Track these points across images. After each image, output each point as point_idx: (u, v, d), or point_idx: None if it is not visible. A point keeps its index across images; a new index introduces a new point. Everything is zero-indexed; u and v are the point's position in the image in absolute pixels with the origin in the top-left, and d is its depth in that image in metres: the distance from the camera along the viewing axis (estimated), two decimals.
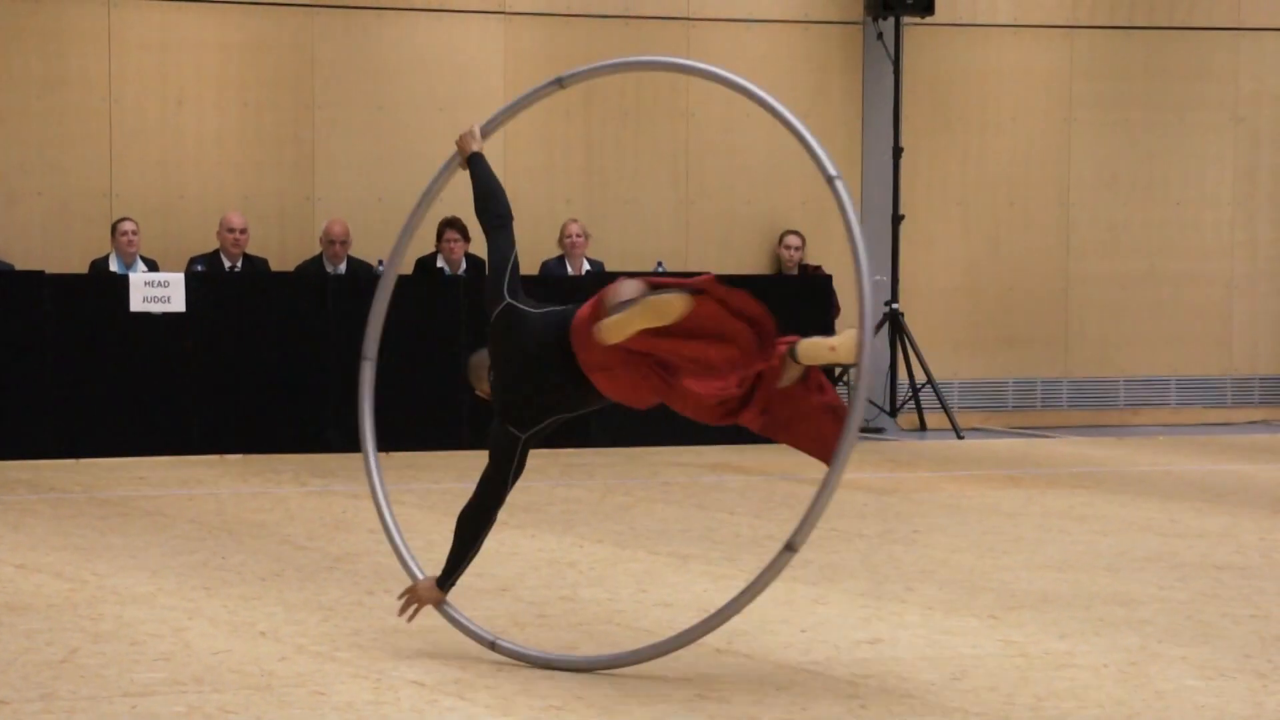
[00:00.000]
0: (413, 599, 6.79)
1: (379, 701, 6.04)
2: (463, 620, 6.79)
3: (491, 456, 6.62)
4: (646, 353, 6.34)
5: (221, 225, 14.61)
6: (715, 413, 6.58)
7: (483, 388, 6.85)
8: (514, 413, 6.56)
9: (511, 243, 6.79)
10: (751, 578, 8.42)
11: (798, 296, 15.27)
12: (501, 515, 9.91)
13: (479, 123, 7.18)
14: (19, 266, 14.18)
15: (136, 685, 6.23)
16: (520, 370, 6.53)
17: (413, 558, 6.98)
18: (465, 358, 7.00)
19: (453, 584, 6.75)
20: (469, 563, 6.73)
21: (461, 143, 7.08)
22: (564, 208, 15.74)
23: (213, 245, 14.66)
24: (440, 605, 6.80)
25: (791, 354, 6.44)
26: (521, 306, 6.60)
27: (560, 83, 7.11)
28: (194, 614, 7.47)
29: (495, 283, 6.68)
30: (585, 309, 6.42)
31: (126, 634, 7.04)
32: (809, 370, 6.48)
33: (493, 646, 6.68)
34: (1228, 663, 6.71)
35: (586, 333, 6.34)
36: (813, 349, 6.40)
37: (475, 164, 7.02)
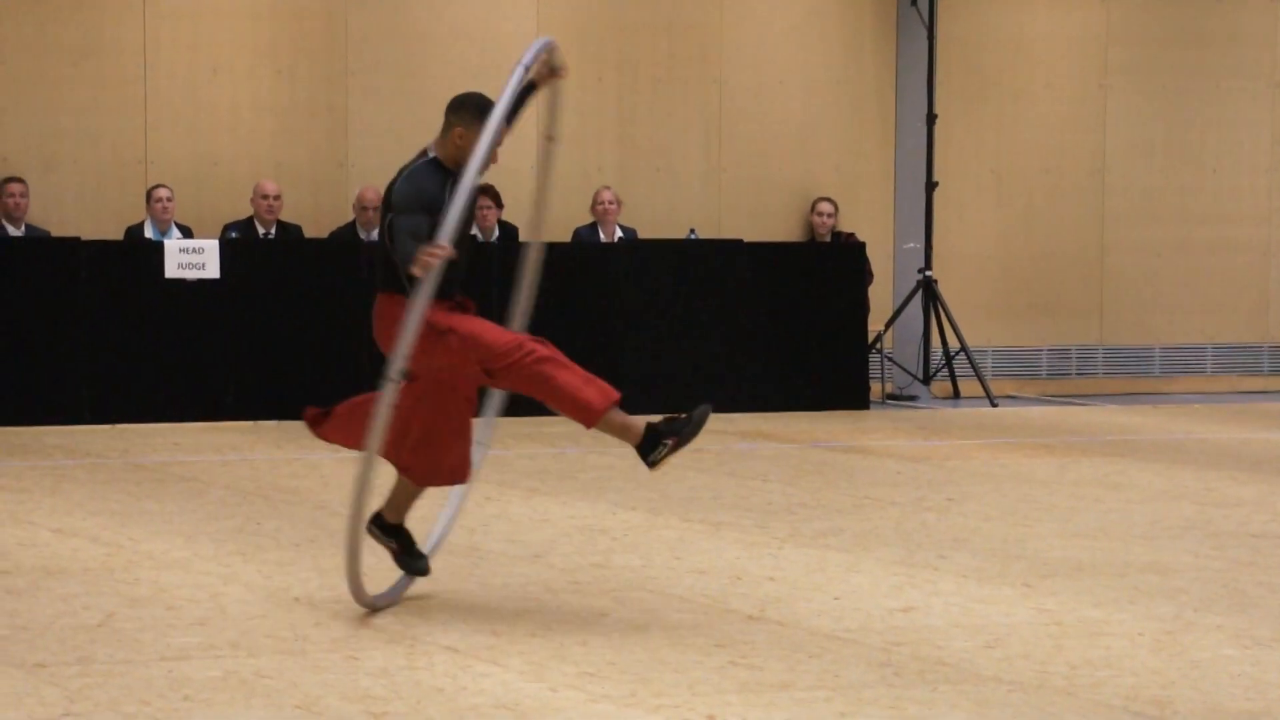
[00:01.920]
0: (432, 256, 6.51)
1: (412, 667, 6.06)
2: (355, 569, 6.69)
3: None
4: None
5: (255, 192, 14.63)
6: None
7: None
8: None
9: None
10: (784, 545, 8.44)
11: (830, 263, 15.24)
12: (533, 482, 9.93)
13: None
14: (55, 233, 14.23)
15: (172, 649, 6.26)
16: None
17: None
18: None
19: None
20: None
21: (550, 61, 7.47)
22: (596, 175, 15.73)
23: (246, 212, 14.69)
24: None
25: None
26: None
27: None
28: (229, 579, 7.50)
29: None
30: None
31: (162, 598, 7.08)
32: None
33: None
34: (1264, 631, 6.70)
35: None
36: None
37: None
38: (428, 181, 6.85)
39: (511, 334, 6.90)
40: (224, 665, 6.05)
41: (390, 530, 7.16)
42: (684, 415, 6.85)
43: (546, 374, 6.72)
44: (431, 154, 6.97)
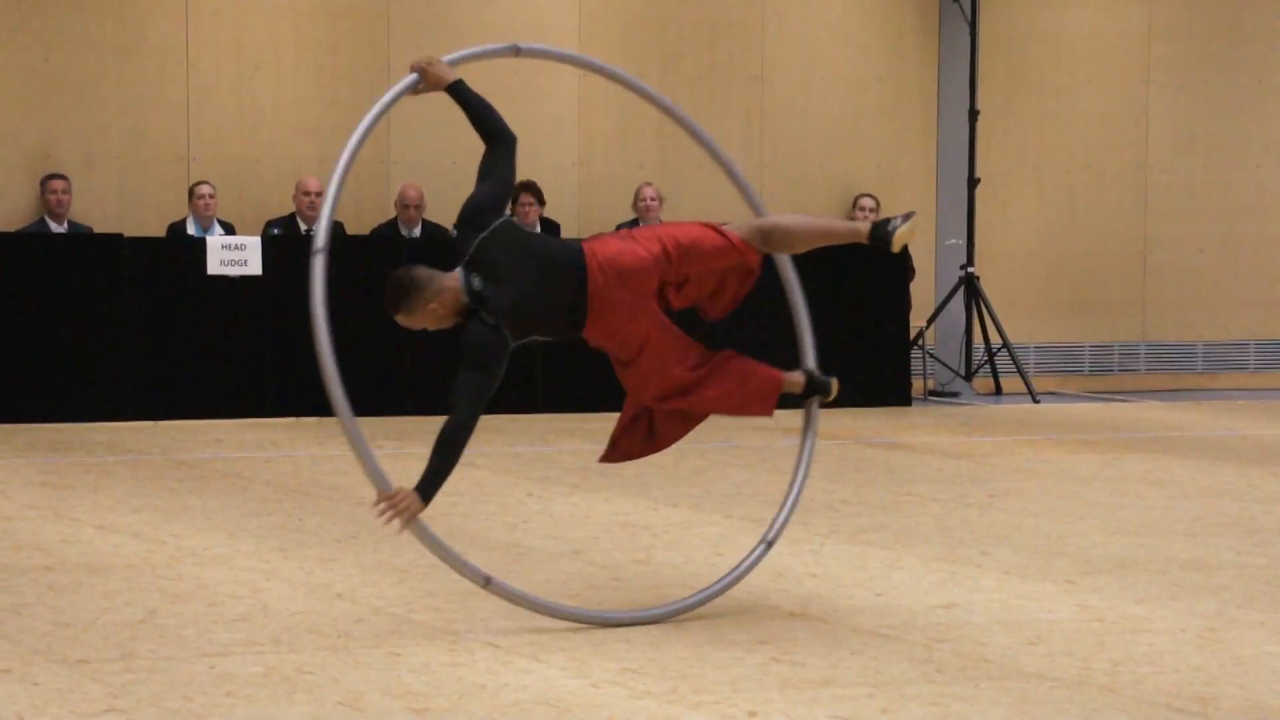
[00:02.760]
0: (394, 505, 6.34)
1: (455, 663, 6.07)
2: (454, 555, 6.49)
3: (481, 365, 6.35)
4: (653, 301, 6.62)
5: (297, 189, 14.66)
6: (666, 387, 6.74)
7: (424, 308, 6.53)
8: (514, 318, 6.44)
9: (514, 171, 6.77)
10: (825, 542, 8.43)
11: (871, 260, 15.20)
12: (575, 479, 9.93)
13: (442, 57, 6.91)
14: (97, 229, 14.29)
15: (215, 645, 6.28)
16: (537, 278, 6.47)
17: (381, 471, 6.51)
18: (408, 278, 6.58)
19: (433, 496, 6.39)
20: (449, 476, 6.41)
21: (432, 72, 6.85)
22: (638, 171, 15.72)
23: (288, 209, 14.72)
24: (420, 525, 6.41)
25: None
26: (531, 232, 6.65)
27: (517, 50, 7.15)
28: (271, 575, 7.52)
29: (499, 197, 6.63)
30: (621, 246, 6.60)
31: (204, 595, 7.09)
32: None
33: (486, 583, 6.49)
34: None
35: (619, 268, 6.52)
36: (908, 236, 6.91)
37: (460, 90, 6.84)
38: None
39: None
40: (266, 661, 6.06)
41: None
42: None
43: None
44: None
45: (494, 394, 6.44)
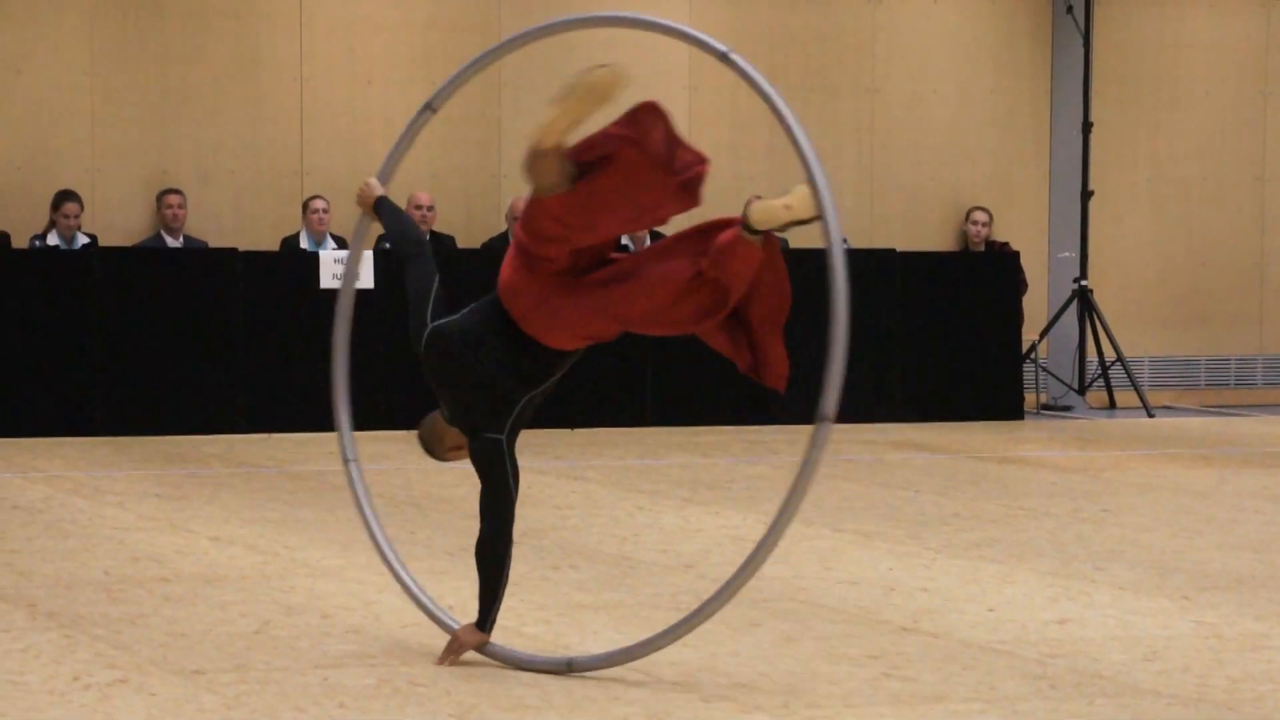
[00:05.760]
0: (455, 648, 6.23)
1: (566, 676, 6.06)
2: (527, 658, 6.21)
3: (486, 476, 6.15)
4: (574, 264, 6.06)
5: (409, 203, 14.74)
6: (686, 299, 6.07)
7: (447, 452, 6.39)
8: (484, 419, 6.15)
9: (434, 269, 6.51)
10: (938, 556, 8.37)
11: (984, 273, 15.13)
12: (685, 492, 9.91)
13: (373, 175, 6.99)
14: (212, 243, 14.42)
15: (328, 657, 6.31)
16: (470, 372, 6.15)
17: (443, 610, 6.49)
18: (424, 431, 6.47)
19: (493, 622, 6.22)
20: (503, 594, 6.22)
21: (362, 196, 6.89)
22: (748, 184, 15.69)
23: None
24: (487, 648, 6.22)
25: (746, 227, 6.02)
26: (444, 322, 6.28)
27: (430, 108, 7.06)
28: (384, 587, 7.55)
29: (419, 312, 6.38)
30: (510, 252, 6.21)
31: (317, 606, 7.13)
32: (768, 238, 6.07)
33: (569, 667, 6.11)
34: None
35: (514, 263, 6.12)
36: (766, 212, 5.96)
37: (381, 208, 6.79)
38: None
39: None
40: (378, 673, 6.09)
41: None
42: None
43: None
44: None
45: (516, 488, 6.16)
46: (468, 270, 14.12)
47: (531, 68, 15.42)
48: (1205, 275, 16.83)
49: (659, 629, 6.62)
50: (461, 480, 10.87)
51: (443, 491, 10.40)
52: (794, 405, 14.17)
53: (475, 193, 15.34)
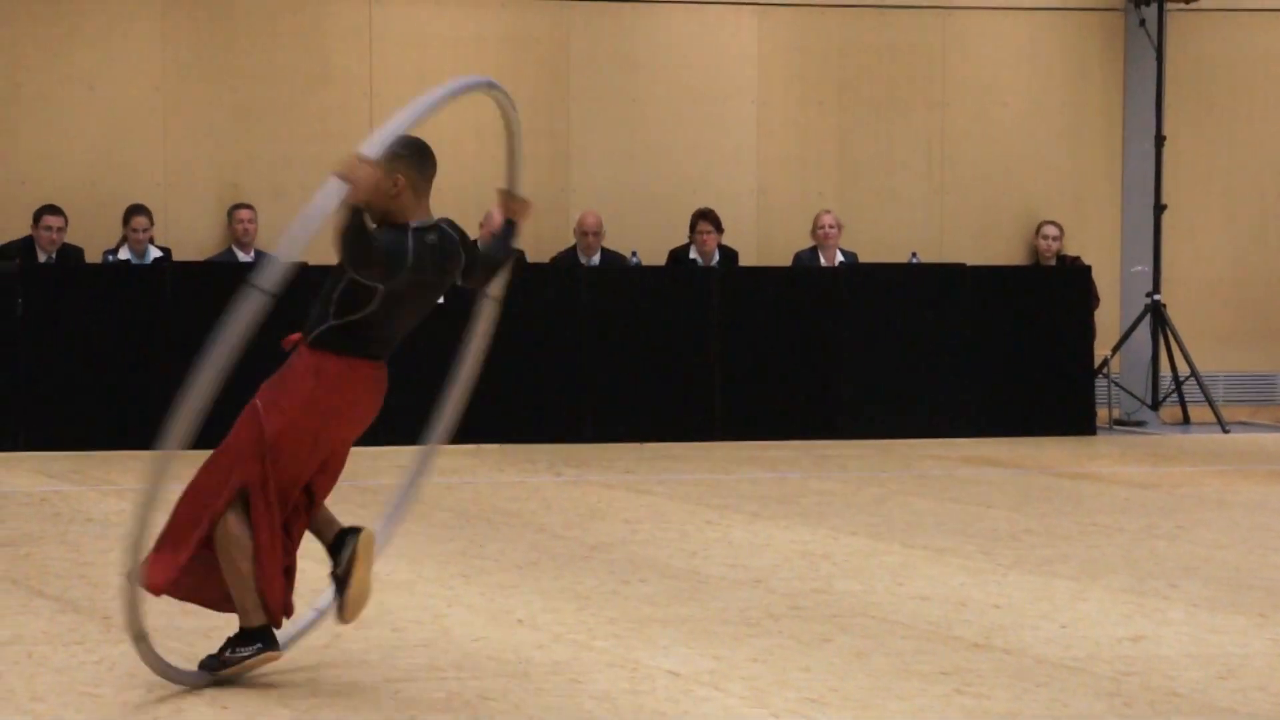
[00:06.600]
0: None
1: (635, 691, 6.05)
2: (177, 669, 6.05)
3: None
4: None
5: (486, 220, 14.76)
6: None
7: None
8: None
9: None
10: (1010, 572, 8.32)
11: (1055, 287, 15.05)
12: (754, 506, 9.88)
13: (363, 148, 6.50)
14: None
15: (398, 671, 6.31)
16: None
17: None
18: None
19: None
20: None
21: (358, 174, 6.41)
22: (817, 199, 15.66)
23: (472, 236, 14.78)
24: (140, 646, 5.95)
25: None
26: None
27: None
28: (453, 601, 7.56)
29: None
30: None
31: (388, 620, 7.14)
32: None
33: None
34: None
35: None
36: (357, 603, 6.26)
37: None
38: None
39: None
40: (448, 687, 6.09)
41: None
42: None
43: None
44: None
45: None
46: (535, 286, 14.14)
47: (598, 83, 15.44)
48: None
49: (729, 644, 6.61)
50: (531, 494, 10.88)
51: (512, 505, 10.41)
52: (862, 421, 14.16)
53: (544, 207, 15.31)
